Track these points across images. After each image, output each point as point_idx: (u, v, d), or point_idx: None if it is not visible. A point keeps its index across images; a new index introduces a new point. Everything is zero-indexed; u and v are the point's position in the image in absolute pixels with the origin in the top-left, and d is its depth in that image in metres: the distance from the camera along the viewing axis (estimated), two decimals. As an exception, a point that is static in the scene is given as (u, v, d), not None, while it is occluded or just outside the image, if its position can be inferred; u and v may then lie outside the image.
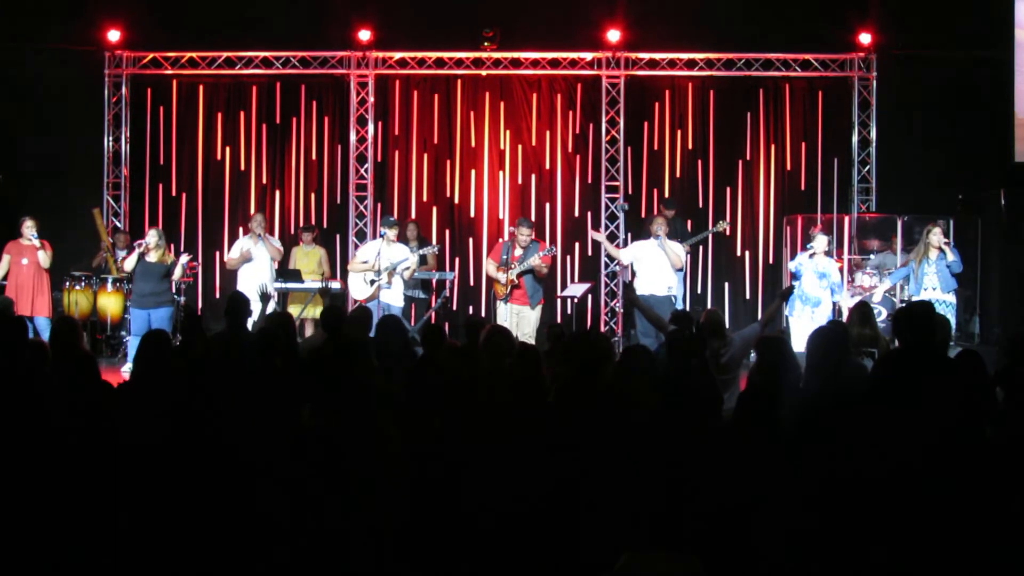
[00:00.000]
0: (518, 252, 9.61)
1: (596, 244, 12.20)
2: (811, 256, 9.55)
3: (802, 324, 9.30)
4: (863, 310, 7.06)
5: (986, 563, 3.57)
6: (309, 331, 10.21)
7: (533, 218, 12.35)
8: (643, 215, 12.18)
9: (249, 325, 6.72)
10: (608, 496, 3.64)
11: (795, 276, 9.71)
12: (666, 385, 4.62)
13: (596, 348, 4.51)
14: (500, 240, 10.87)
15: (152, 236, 9.46)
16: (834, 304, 10.02)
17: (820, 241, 9.55)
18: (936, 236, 9.19)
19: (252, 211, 12.18)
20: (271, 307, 9.74)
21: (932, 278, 9.13)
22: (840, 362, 4.52)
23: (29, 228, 9.97)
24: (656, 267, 9.68)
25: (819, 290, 9.44)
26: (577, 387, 4.35)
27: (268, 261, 10.43)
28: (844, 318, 9.30)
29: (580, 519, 3.65)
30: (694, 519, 3.56)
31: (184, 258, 9.73)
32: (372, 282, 9.73)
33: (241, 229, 12.32)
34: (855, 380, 4.74)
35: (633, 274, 10.44)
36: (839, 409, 4.14)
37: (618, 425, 4.02)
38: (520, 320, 9.52)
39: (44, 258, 9.95)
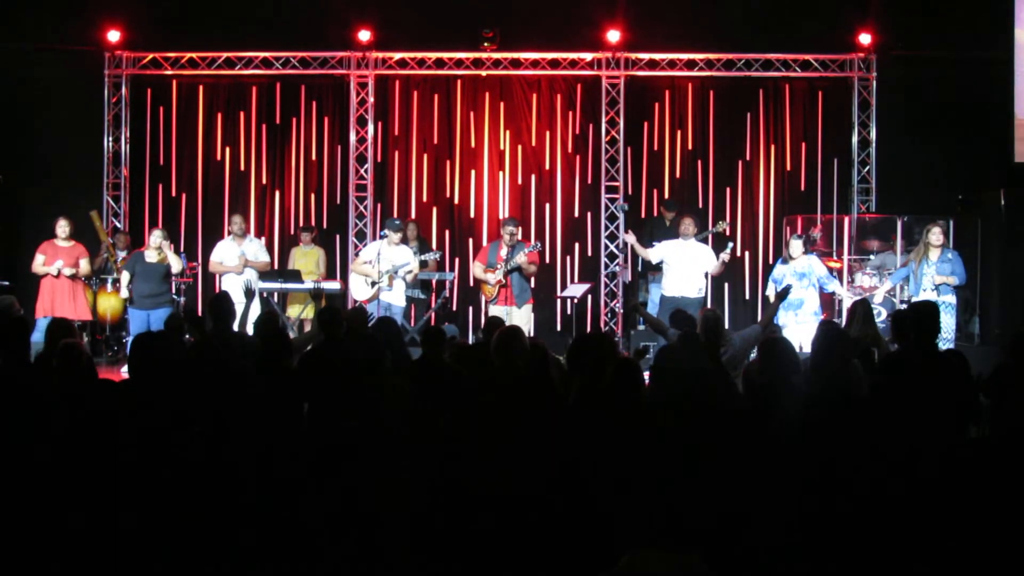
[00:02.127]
0: (504, 252, 9.60)
1: (596, 244, 12.23)
2: (785, 262, 9.54)
3: (788, 331, 9.26)
4: (864, 309, 7.06)
5: (981, 562, 3.57)
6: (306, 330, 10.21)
7: (533, 218, 12.39)
8: (643, 215, 12.19)
9: (235, 324, 6.73)
10: (617, 494, 3.64)
11: (777, 282, 9.67)
12: (678, 384, 4.63)
13: (603, 348, 4.53)
14: (485, 245, 10.86)
15: (156, 236, 9.49)
16: (832, 295, 9.99)
17: (795, 247, 9.52)
18: (935, 236, 9.17)
19: (253, 212, 12.19)
20: (257, 305, 9.77)
21: (931, 279, 9.11)
22: (846, 361, 4.53)
23: (63, 228, 10.03)
24: (686, 269, 9.63)
25: (800, 291, 9.41)
26: (596, 388, 4.35)
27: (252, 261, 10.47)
28: (845, 314, 9.28)
29: (589, 517, 3.65)
30: (696, 517, 3.56)
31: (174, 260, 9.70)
32: (373, 284, 9.75)
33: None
34: (853, 380, 4.74)
35: (645, 275, 10.42)
36: (838, 409, 4.14)
37: (628, 424, 4.03)
38: (509, 320, 9.50)
39: (85, 265, 10.07)
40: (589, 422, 4.17)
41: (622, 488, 3.57)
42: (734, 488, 3.64)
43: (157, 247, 9.40)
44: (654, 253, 9.97)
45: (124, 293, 9.56)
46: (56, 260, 10.00)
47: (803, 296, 9.38)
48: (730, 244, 10.35)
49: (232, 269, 10.41)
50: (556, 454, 3.96)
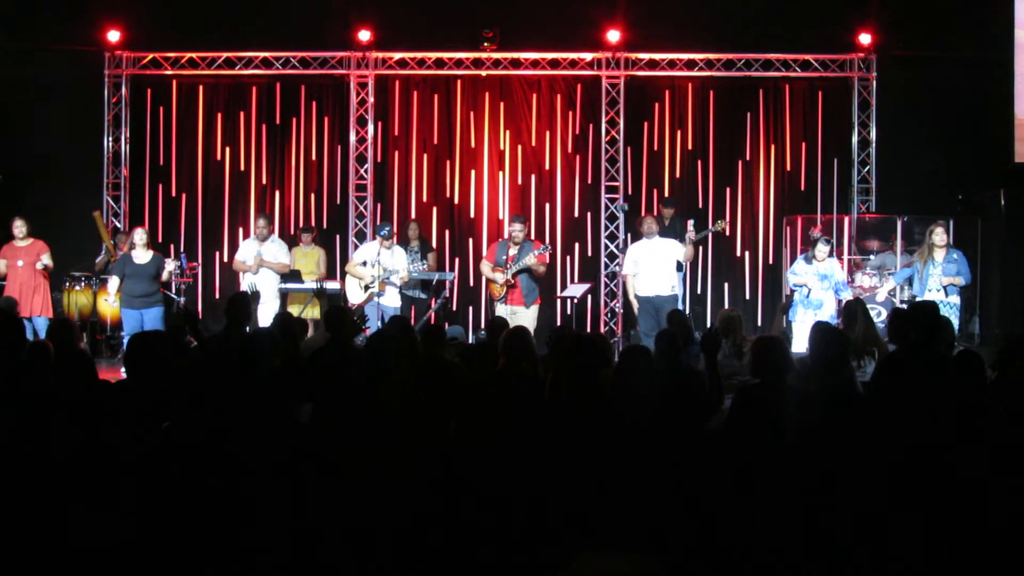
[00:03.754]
0: (513, 251, 9.59)
1: (596, 244, 12.23)
2: (809, 262, 9.56)
3: (805, 328, 9.27)
4: (862, 310, 7.06)
5: (981, 562, 3.57)
6: (310, 332, 10.19)
7: (533, 218, 12.38)
8: (643, 215, 12.16)
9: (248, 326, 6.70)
10: (597, 494, 3.63)
11: (794, 287, 9.67)
12: (666, 385, 4.62)
13: (590, 349, 4.51)
14: (494, 242, 10.85)
15: (139, 234, 9.46)
16: (841, 302, 10.00)
17: (821, 250, 9.53)
18: (939, 236, 9.17)
19: (252, 212, 12.18)
20: (272, 308, 9.78)
21: (936, 279, 9.09)
22: (843, 361, 4.52)
23: (19, 228, 9.96)
24: (656, 268, 9.65)
25: (821, 292, 9.45)
26: (568, 386, 4.35)
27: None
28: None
29: (547, 516, 3.64)
30: (689, 518, 3.56)
31: (171, 264, 9.67)
32: (367, 288, 9.78)
33: (241, 231, 12.33)
34: (849, 380, 4.73)
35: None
36: (835, 409, 4.13)
37: (611, 424, 4.02)
38: (516, 320, 9.47)
39: (46, 259, 9.97)
40: (568, 420, 4.17)
41: (581, 488, 3.57)
42: (726, 488, 3.64)
43: (144, 244, 9.39)
44: (628, 264, 9.97)
45: (112, 299, 9.52)
46: (17, 261, 9.91)
47: (823, 297, 9.41)
48: (691, 223, 10.34)
49: (248, 269, 10.43)
50: (527, 452, 3.97)
